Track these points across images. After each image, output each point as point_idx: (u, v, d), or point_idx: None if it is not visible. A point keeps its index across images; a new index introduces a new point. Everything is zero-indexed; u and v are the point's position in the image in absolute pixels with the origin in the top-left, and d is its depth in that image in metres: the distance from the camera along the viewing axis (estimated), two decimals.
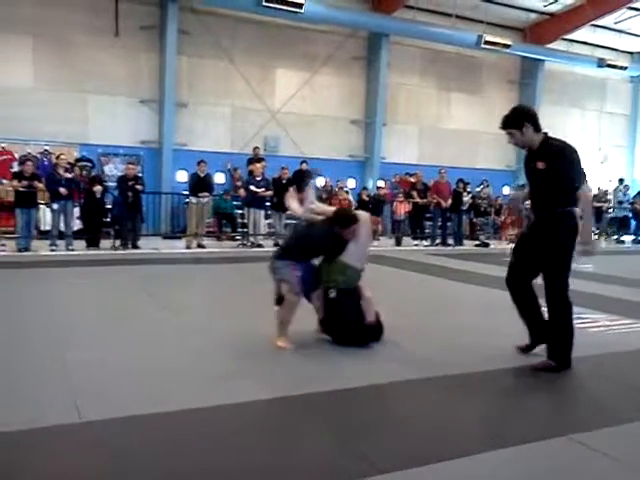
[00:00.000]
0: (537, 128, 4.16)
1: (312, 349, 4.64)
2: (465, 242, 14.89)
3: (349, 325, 4.70)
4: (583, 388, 4.08)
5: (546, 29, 18.93)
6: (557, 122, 20.48)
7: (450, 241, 14.56)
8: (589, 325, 5.92)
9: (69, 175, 11.35)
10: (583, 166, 4.18)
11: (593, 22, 18.33)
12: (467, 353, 4.73)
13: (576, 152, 4.13)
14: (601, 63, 19.62)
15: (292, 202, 5.23)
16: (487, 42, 17.24)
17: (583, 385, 4.16)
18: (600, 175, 21.37)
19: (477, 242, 15.08)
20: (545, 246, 4.19)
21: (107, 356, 4.32)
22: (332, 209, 5.18)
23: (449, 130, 18.83)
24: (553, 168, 4.07)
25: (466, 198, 14.80)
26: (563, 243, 4.15)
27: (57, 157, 11.59)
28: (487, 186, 16.78)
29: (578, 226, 4.19)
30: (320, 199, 14.66)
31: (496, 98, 19.64)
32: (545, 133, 4.22)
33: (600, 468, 2.84)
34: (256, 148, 14.92)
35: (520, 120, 4.14)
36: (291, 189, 5.44)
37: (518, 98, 20.00)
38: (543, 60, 19.38)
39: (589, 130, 21.67)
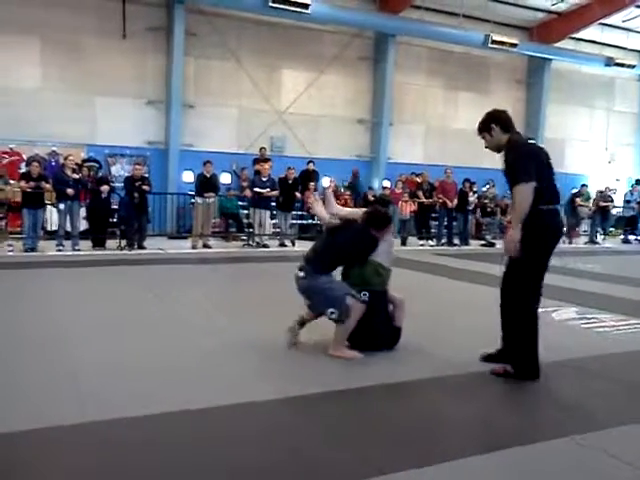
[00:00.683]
0: (506, 129, 4.18)
1: (315, 351, 4.63)
2: (471, 242, 14.85)
3: (380, 328, 4.63)
4: (587, 388, 4.06)
5: (553, 28, 18.84)
6: (565, 121, 20.46)
7: (456, 241, 14.53)
8: (594, 325, 5.91)
9: (76, 176, 11.40)
10: (536, 161, 4.01)
11: (601, 21, 18.23)
12: (468, 353, 4.72)
13: (520, 148, 4.09)
14: (609, 62, 19.49)
15: (318, 207, 5.04)
16: (494, 41, 17.17)
17: (587, 385, 4.14)
18: (607, 174, 21.32)
19: (483, 242, 15.04)
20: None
21: (112, 356, 4.35)
22: (358, 211, 4.97)
23: (456, 130, 18.77)
24: (507, 166, 4.07)
25: (472, 198, 14.77)
26: (524, 246, 3.94)
27: (65, 158, 11.64)
28: (493, 186, 16.75)
29: (550, 226, 4.05)
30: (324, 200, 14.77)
31: (503, 98, 19.54)
32: (517, 133, 4.23)
33: (604, 469, 2.84)
34: (262, 148, 14.95)
35: (488, 123, 4.22)
36: (314, 194, 5.36)
37: (525, 97, 19.95)
38: (550, 59, 19.28)
39: (597, 129, 21.55)
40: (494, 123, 4.19)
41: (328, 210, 4.96)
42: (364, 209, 4.93)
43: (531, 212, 3.89)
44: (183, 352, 4.53)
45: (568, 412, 3.56)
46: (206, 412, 3.34)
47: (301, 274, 4.53)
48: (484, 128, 4.25)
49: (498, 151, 4.22)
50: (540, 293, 4.18)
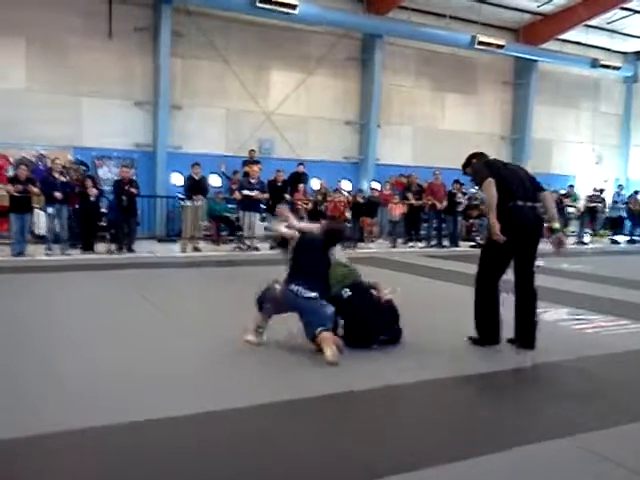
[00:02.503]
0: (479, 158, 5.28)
1: (308, 354, 4.61)
2: (461, 243, 14.90)
3: (371, 316, 4.78)
4: (579, 389, 4.09)
5: (539, 29, 18.98)
6: (551, 122, 20.61)
7: (445, 242, 14.58)
8: (586, 326, 5.96)
9: (64, 179, 11.29)
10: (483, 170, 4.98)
11: (586, 22, 18.38)
12: (464, 354, 4.74)
13: (475, 162, 5.29)
14: (594, 63, 19.70)
15: (281, 226, 5.31)
16: (481, 42, 17.29)
17: (579, 386, 4.17)
18: (595, 175, 21.50)
19: (473, 243, 15.10)
20: None
21: (103, 360, 4.32)
22: (315, 226, 5.30)
23: (443, 131, 18.85)
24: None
25: (462, 199, 14.82)
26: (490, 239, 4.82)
27: (52, 161, 11.53)
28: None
29: (509, 223, 4.66)
30: (315, 202, 14.77)
31: (490, 99, 19.71)
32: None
33: (600, 470, 2.86)
34: (252, 151, 14.90)
35: (469, 159, 5.37)
36: (282, 207, 5.56)
37: (512, 98, 20.07)
38: (537, 60, 19.43)
39: (583, 130, 21.74)
40: (473, 158, 5.31)
41: (291, 225, 5.22)
42: (318, 224, 5.34)
43: (499, 210, 4.67)
44: (173, 356, 4.50)
45: (562, 413, 3.58)
46: (198, 417, 3.32)
47: (312, 294, 4.61)
48: (467, 164, 5.36)
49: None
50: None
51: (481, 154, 5.38)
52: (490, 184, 4.70)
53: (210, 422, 3.30)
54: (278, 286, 4.72)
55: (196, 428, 3.22)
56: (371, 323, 4.77)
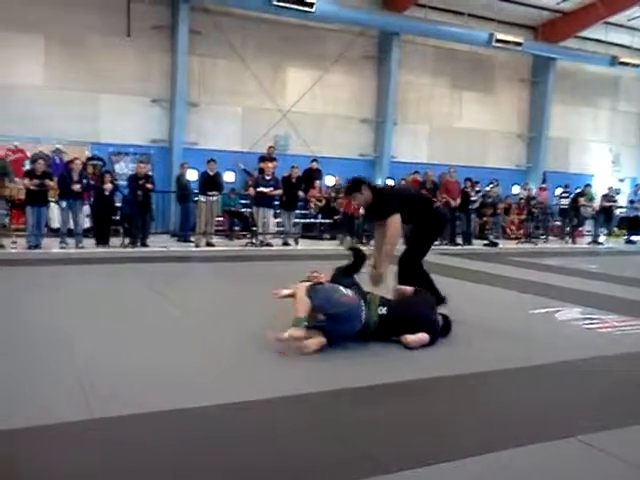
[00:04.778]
0: (371, 189, 5.63)
1: (328, 349, 4.60)
2: (474, 241, 14.83)
3: (415, 308, 4.89)
4: (591, 389, 4.05)
5: (558, 27, 18.79)
6: (569, 121, 20.42)
7: (459, 240, 14.51)
8: (598, 326, 5.89)
9: (79, 184, 11.37)
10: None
11: (606, 20, 18.18)
12: (475, 352, 4.72)
13: (386, 193, 6.11)
14: (613, 61, 19.41)
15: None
16: (499, 40, 17.15)
17: (591, 386, 4.13)
18: (611, 174, 21.27)
19: (486, 241, 15.02)
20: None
21: (116, 353, 4.35)
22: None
23: (460, 129, 18.76)
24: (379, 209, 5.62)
25: (475, 197, 14.74)
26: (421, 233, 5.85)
27: (71, 161, 11.59)
28: (496, 185, 16.69)
29: (439, 221, 5.99)
30: (328, 199, 14.78)
31: (507, 97, 19.57)
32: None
33: (609, 470, 2.82)
34: (271, 147, 14.92)
35: (359, 184, 5.60)
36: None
37: (529, 97, 19.92)
38: (555, 58, 19.24)
39: (601, 129, 21.50)
40: (364, 185, 5.59)
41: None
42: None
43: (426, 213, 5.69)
44: (185, 350, 4.52)
45: (572, 412, 3.55)
46: (208, 410, 3.34)
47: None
48: (355, 189, 5.60)
49: (366, 205, 5.77)
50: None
51: (367, 181, 5.81)
52: (399, 219, 5.36)
53: (210, 416, 3.31)
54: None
55: (192, 422, 3.21)
56: (418, 312, 4.85)
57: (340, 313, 4.52)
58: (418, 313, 4.85)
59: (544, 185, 18.45)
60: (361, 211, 14.19)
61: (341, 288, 4.69)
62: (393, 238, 5.38)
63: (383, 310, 4.74)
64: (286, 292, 4.71)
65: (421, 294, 5.16)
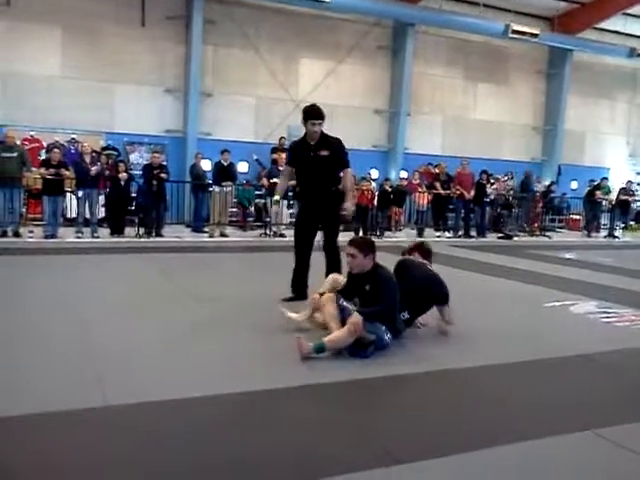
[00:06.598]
0: (305, 120, 5.97)
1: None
2: (488, 234, 14.75)
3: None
4: (606, 382, 4.04)
5: (576, 18, 18.54)
6: (585, 113, 20.19)
7: (473, 233, 14.44)
8: (614, 319, 5.85)
9: (96, 166, 11.47)
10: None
11: (625, 10, 17.92)
12: (485, 345, 4.71)
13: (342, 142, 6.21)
14: (632, 53, 19.12)
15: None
16: (515, 31, 16.96)
17: (606, 379, 4.12)
18: (628, 168, 21.03)
19: (500, 234, 14.94)
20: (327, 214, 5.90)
21: (131, 340, 4.39)
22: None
23: (474, 121, 18.62)
24: (334, 155, 5.98)
25: (490, 189, 14.65)
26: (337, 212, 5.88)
27: (82, 146, 11.69)
28: (511, 178, 16.58)
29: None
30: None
31: (523, 88, 19.39)
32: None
33: (624, 463, 2.82)
34: (282, 138, 14.91)
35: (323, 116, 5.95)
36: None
37: (545, 88, 19.71)
38: (572, 50, 19.00)
39: (618, 122, 21.24)
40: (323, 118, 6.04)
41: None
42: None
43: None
44: (200, 339, 4.55)
45: (586, 405, 3.54)
46: (220, 398, 3.37)
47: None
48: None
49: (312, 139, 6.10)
50: None
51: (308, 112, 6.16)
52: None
53: (223, 403, 3.34)
54: None
55: (207, 410, 3.25)
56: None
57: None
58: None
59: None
60: (374, 202, 14.21)
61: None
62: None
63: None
64: (301, 315, 4.68)
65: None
